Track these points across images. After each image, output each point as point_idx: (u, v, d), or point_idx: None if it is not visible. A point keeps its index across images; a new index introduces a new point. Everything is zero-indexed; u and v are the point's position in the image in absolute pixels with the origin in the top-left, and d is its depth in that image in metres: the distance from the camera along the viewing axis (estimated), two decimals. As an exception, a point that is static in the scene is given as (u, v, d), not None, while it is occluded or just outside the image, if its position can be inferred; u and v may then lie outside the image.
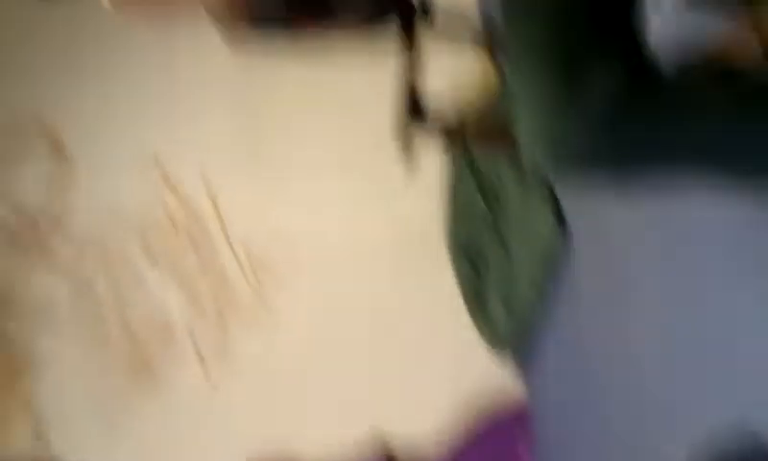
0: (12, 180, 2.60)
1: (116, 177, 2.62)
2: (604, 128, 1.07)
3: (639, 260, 1.78)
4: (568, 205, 1.97)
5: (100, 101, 2.62)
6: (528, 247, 2.14)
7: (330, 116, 2.53)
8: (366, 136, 2.51)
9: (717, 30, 1.17)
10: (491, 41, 1.53)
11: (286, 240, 2.59)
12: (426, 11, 1.36)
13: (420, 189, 2.39)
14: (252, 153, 2.61)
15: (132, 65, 2.60)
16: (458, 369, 2.52)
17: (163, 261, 2.63)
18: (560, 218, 1.93)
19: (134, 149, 2.62)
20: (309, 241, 2.59)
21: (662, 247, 1.64)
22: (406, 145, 1.31)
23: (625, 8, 1.11)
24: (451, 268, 2.56)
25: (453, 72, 2.47)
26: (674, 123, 1.08)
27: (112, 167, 2.62)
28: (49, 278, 2.55)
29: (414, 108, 1.30)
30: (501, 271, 2.39)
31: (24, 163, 2.62)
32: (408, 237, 2.56)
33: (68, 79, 2.60)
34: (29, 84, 2.61)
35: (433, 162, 2.34)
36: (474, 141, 1.62)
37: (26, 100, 2.62)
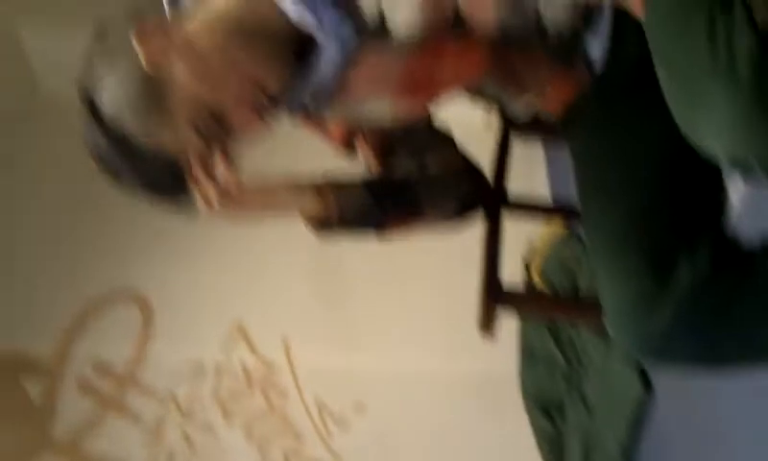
0: (97, 339, 2.69)
1: (198, 338, 2.70)
2: (689, 321, 1.07)
3: (730, 418, 1.72)
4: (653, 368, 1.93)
5: (188, 270, 2.74)
6: (612, 406, 2.09)
7: (407, 277, 2.58)
8: (441, 295, 2.57)
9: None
10: (564, 219, 1.56)
11: (362, 398, 2.60)
12: (505, 200, 1.40)
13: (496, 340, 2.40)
14: (330, 317, 2.69)
15: (219, 236, 2.73)
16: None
17: (238, 419, 2.65)
18: (645, 379, 1.89)
19: (217, 312, 2.72)
20: (383, 397, 2.59)
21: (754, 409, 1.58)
22: (485, 320, 1.32)
23: (708, 194, 1.15)
24: (527, 419, 2.51)
25: (527, 238, 2.56)
26: (757, 316, 1.07)
27: (195, 329, 2.71)
28: (123, 429, 2.59)
29: (494, 287, 1.32)
30: (581, 426, 2.33)
31: (111, 325, 2.73)
32: (482, 386, 2.54)
33: (159, 250, 2.74)
34: (123, 259, 2.76)
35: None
36: (551, 313, 1.62)
37: (120, 273, 2.76)
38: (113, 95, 1.04)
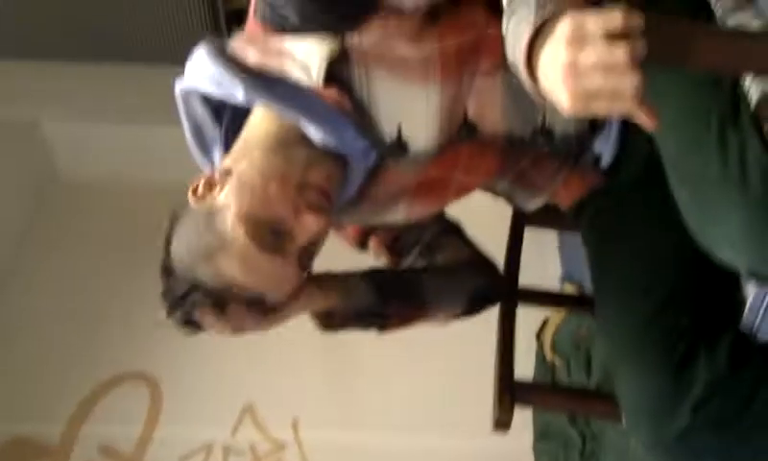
0: (105, 422, 2.68)
1: (207, 419, 2.68)
2: (709, 420, 1.06)
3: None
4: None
5: (197, 351, 2.73)
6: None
7: (416, 361, 2.56)
8: (451, 372, 2.54)
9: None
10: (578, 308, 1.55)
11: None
12: (517, 291, 1.39)
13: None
14: (340, 396, 2.68)
15: None
16: None
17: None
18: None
19: (226, 393, 2.71)
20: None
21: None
22: (502, 418, 1.30)
23: (725, 292, 1.13)
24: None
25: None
26: None
27: (204, 410, 2.69)
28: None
29: (509, 386, 1.30)
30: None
31: (120, 407, 2.71)
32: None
33: (169, 332, 2.73)
34: (132, 340, 2.76)
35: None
36: (567, 407, 1.60)
37: (129, 354, 2.76)
38: (180, 248, 1.05)
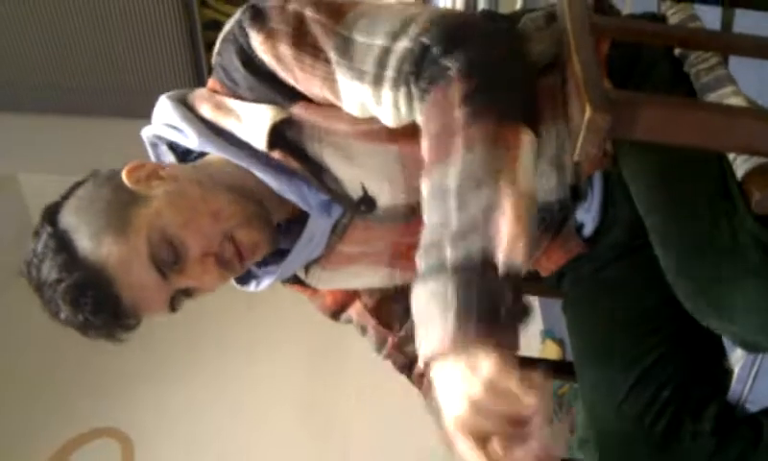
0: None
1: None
2: None
3: None
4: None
5: (171, 406, 2.70)
6: None
7: (396, 409, 2.53)
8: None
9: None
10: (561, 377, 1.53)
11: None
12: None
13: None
14: (319, 450, 2.61)
15: (201, 373, 2.70)
16: None
17: None
18: None
19: (200, 450, 2.65)
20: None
21: None
22: None
23: (710, 360, 1.12)
24: None
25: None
26: None
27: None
28: None
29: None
30: None
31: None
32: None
33: (142, 388, 2.71)
34: (104, 397, 2.72)
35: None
36: None
37: (101, 411, 2.72)
38: (79, 204, 1.02)
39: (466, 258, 0.75)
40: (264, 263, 1.15)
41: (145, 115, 1.15)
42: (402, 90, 0.89)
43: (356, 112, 0.97)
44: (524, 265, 0.75)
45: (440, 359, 0.76)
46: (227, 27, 1.04)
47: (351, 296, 1.25)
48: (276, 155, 1.02)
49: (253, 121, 1.02)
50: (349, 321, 1.28)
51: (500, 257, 0.73)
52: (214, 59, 1.07)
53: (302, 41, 0.95)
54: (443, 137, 0.82)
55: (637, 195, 1.04)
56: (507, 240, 0.74)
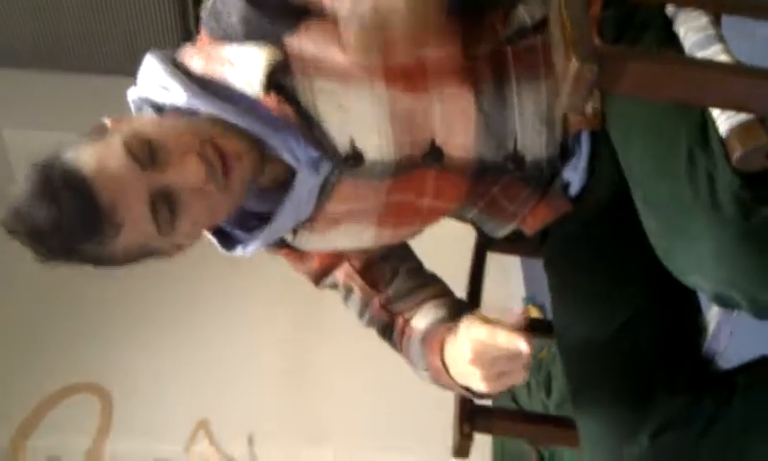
0: (55, 433, 2.63)
1: (159, 433, 2.64)
2: (667, 450, 1.06)
3: None
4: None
5: (151, 362, 2.71)
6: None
7: (376, 380, 2.55)
8: (412, 403, 2.53)
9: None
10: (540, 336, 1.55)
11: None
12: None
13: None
14: (297, 413, 2.64)
15: (183, 328, 2.71)
16: None
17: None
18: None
19: (180, 407, 2.68)
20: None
21: None
22: (460, 447, 1.28)
23: (686, 317, 1.14)
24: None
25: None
26: (738, 442, 1.06)
27: (156, 424, 2.64)
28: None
29: (468, 413, 1.29)
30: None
31: (70, 419, 2.66)
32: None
33: (122, 342, 2.71)
34: (84, 350, 2.72)
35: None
36: (526, 433, 1.59)
37: (80, 364, 2.71)
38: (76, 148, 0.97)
39: None
40: (251, 227, 1.14)
41: (131, 73, 1.12)
42: None
43: None
44: None
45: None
46: None
47: (339, 258, 1.25)
48: (271, 99, 1.01)
49: (248, 64, 1.01)
50: (334, 285, 1.27)
51: None
52: (205, 9, 1.06)
53: None
54: None
55: (621, 152, 1.05)
56: None
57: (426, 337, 1.15)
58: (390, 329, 1.24)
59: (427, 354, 1.12)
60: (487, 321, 0.95)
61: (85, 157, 0.94)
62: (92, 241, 0.93)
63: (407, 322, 1.23)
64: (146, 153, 0.94)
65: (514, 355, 0.93)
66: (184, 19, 3.14)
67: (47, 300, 2.78)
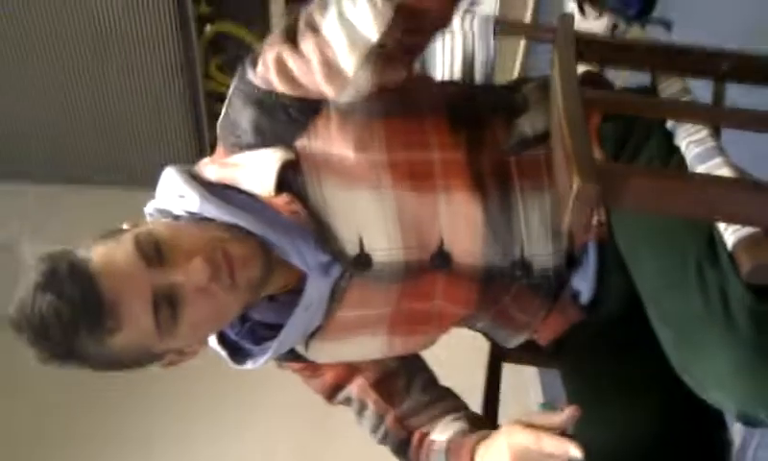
0: None
1: None
2: None
3: None
4: None
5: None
6: None
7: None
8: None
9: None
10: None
11: None
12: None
13: None
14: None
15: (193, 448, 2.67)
16: None
17: None
18: None
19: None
20: None
21: None
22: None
23: (709, 431, 1.11)
24: None
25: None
26: None
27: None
28: None
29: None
30: None
31: None
32: None
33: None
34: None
35: None
36: None
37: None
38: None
39: None
40: (260, 339, 1.14)
41: (148, 186, 1.16)
42: None
43: (350, 52, 1.00)
44: None
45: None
46: (230, 89, 1.08)
47: (353, 371, 1.23)
48: (282, 200, 1.03)
49: (260, 165, 1.04)
50: (347, 400, 1.25)
51: None
52: (219, 124, 1.10)
53: (293, 35, 1.01)
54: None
55: (631, 265, 1.04)
56: None
57: (452, 447, 1.13)
58: (406, 445, 1.22)
59: None
60: (529, 425, 0.94)
61: (95, 252, 0.96)
62: (93, 334, 0.93)
63: (425, 436, 1.20)
64: (153, 250, 0.96)
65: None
66: (200, 137, 3.22)
67: (48, 416, 2.76)
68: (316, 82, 1.02)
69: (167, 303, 0.96)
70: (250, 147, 1.06)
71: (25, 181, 3.18)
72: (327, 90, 1.02)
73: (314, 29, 1.01)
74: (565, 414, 0.95)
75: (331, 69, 1.00)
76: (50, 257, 0.96)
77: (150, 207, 1.12)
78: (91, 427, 2.74)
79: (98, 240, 1.00)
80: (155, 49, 3.10)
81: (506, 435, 0.97)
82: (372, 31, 0.98)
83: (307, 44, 1.00)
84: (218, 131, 1.11)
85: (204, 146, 3.23)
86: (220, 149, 1.11)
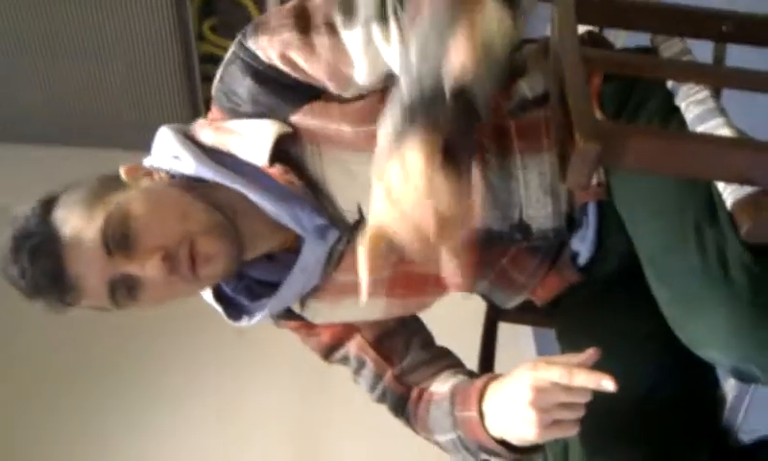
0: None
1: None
2: None
3: None
4: None
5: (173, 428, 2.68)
6: None
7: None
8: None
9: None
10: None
11: None
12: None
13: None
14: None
15: (188, 407, 2.70)
16: None
17: None
18: None
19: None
20: None
21: None
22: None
23: (704, 390, 1.13)
24: None
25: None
26: None
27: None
28: None
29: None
30: None
31: None
32: None
33: (139, 421, 2.69)
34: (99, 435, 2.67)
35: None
36: None
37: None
38: (75, 186, 1.07)
39: (420, 91, 0.79)
40: (257, 296, 1.15)
41: (141, 148, 1.16)
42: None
43: (369, 72, 0.98)
44: (483, 93, 0.80)
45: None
46: (227, 55, 1.07)
47: (350, 330, 1.24)
48: (277, 170, 1.04)
49: (256, 135, 1.04)
50: (345, 358, 1.26)
51: (451, 81, 0.77)
52: (215, 86, 1.09)
53: (306, 24, 0.99)
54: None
55: (629, 226, 1.05)
56: (459, 64, 0.77)
57: (457, 391, 1.14)
58: (404, 401, 1.23)
59: (457, 408, 1.11)
60: (552, 362, 0.95)
61: (69, 223, 1.02)
62: (52, 304, 1.03)
63: (424, 390, 1.22)
64: (119, 236, 1.00)
65: (575, 405, 0.93)
66: (193, 97, 3.20)
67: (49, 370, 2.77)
68: (320, 76, 1.01)
69: (125, 288, 1.02)
70: (247, 115, 1.05)
71: (16, 142, 3.16)
72: (330, 86, 1.02)
73: (333, 31, 0.98)
74: (586, 354, 0.95)
75: (341, 75, 1.00)
76: (26, 221, 1.03)
77: (146, 163, 1.12)
78: (91, 379, 2.75)
79: (79, 200, 1.03)
80: (147, 10, 3.06)
81: (529, 369, 0.96)
82: (395, 66, 0.96)
83: (321, 40, 0.98)
84: (213, 93, 1.10)
85: (198, 106, 3.22)
86: (215, 110, 1.11)
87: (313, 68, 1.00)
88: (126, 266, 1.01)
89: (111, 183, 1.06)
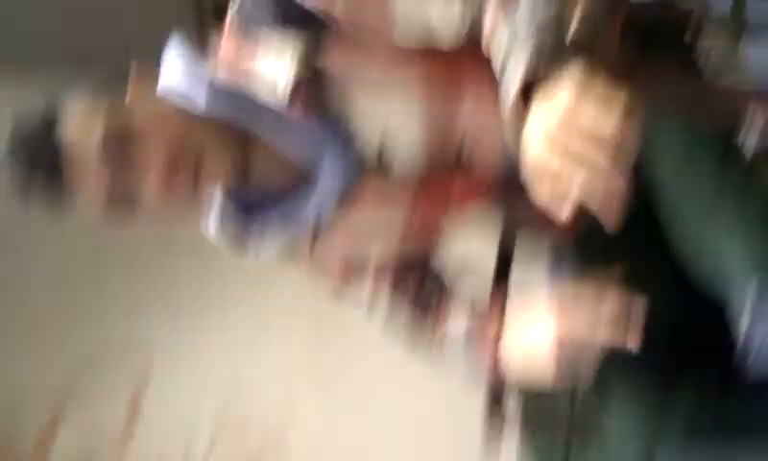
0: (90, 404, 2.66)
1: (194, 401, 2.69)
2: (694, 446, 1.09)
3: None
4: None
5: (188, 329, 2.74)
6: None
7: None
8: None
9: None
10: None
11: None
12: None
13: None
14: (326, 379, 2.68)
15: (221, 298, 2.74)
16: None
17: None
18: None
19: (216, 373, 2.71)
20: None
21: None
22: (491, 435, 1.32)
23: (716, 325, 1.15)
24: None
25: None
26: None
27: (192, 390, 2.69)
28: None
29: (496, 402, 1.32)
30: None
31: (104, 390, 2.69)
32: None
33: (160, 309, 2.73)
34: (120, 316, 2.74)
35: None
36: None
37: (116, 331, 2.73)
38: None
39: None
40: (269, 221, 1.18)
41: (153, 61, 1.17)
42: None
43: None
44: None
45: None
46: None
47: (364, 263, 1.26)
48: (296, 105, 1.05)
49: (275, 72, 1.05)
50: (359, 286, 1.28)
51: None
52: (235, 7, 1.09)
53: None
54: None
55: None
56: None
57: None
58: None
59: None
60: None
61: (71, 129, 1.03)
62: (54, 192, 1.04)
63: None
64: (116, 148, 1.02)
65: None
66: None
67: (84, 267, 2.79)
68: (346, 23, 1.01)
69: (121, 199, 1.04)
70: (265, 45, 1.05)
71: (26, 68, 3.11)
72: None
73: None
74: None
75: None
76: (29, 128, 1.05)
77: (161, 85, 1.13)
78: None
79: (87, 102, 1.06)
80: None
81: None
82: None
83: None
84: (230, 11, 1.10)
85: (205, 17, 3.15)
86: (231, 42, 1.10)
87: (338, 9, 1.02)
88: (124, 180, 1.03)
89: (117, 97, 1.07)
